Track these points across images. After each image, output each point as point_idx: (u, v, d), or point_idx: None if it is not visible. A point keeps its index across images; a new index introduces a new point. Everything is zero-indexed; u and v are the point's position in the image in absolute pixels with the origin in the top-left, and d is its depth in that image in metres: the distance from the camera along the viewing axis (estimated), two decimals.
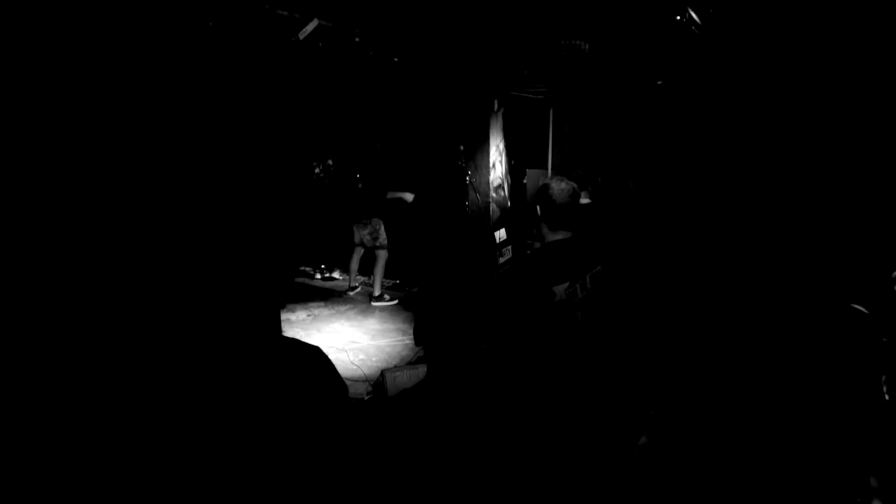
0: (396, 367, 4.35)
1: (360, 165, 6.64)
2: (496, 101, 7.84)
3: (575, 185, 2.70)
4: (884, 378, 1.68)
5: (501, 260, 6.78)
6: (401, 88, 7.26)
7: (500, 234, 6.88)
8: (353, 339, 5.46)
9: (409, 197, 6.66)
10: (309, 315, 6.14)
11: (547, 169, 7.86)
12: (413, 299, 6.65)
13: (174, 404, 1.43)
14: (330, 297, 6.82)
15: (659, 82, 6.45)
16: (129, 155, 3.46)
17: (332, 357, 1.63)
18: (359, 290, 6.92)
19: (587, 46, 6.59)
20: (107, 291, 3.04)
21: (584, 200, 4.23)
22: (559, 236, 2.60)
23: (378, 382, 4.26)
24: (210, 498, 1.39)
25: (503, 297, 2.02)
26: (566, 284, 2.45)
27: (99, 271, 3.06)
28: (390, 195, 6.57)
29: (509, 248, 7.00)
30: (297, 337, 5.06)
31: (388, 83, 7.06)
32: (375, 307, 6.40)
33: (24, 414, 2.41)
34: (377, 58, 6.03)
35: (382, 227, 6.47)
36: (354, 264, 6.81)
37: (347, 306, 6.46)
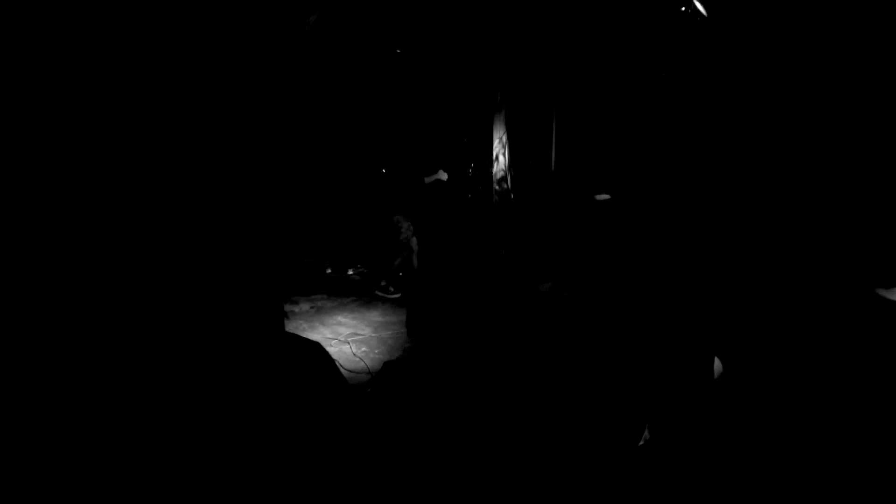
0: (399, 359, 4.36)
1: (383, 160, 6.59)
2: (499, 93, 7.82)
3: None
4: None
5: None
6: (403, 80, 7.24)
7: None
8: (355, 331, 5.48)
9: (444, 176, 6.57)
10: (312, 307, 6.16)
11: (550, 161, 7.84)
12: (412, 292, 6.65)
13: (176, 399, 1.44)
14: (333, 289, 6.84)
15: (663, 74, 6.42)
16: (128, 150, 3.46)
17: (334, 349, 1.64)
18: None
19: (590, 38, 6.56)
20: (106, 285, 3.04)
21: (604, 196, 4.12)
22: (548, 231, 2.58)
23: (380, 374, 4.27)
24: (212, 489, 1.40)
25: (492, 295, 1.99)
26: (551, 283, 2.44)
27: (98, 265, 3.07)
28: (428, 180, 6.49)
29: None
30: (301, 328, 5.06)
31: (390, 74, 7.03)
32: (378, 296, 6.42)
33: (29, 405, 2.42)
34: (379, 49, 6.01)
35: (405, 225, 6.42)
36: (397, 260, 6.77)
37: (350, 298, 6.47)
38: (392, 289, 6.54)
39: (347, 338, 5.31)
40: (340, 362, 4.80)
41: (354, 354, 4.95)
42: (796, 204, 4.85)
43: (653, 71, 6.42)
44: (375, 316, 5.92)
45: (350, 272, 7.54)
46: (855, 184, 4.76)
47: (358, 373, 4.60)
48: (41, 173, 3.01)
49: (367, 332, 5.48)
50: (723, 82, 5.90)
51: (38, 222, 2.94)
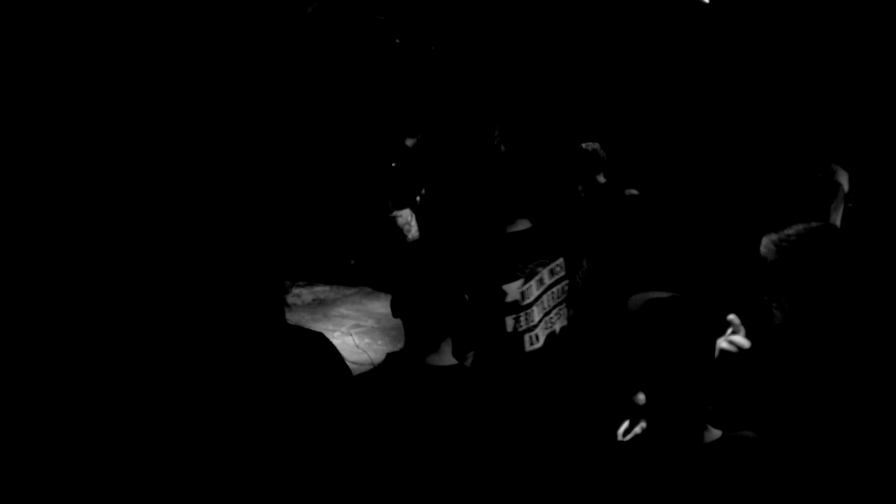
0: (402, 351, 4.36)
1: (391, 155, 6.58)
2: (497, 86, 7.76)
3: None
4: None
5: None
6: (402, 70, 7.19)
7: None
8: (358, 323, 5.48)
9: (422, 191, 6.69)
10: (315, 299, 6.16)
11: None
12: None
13: (178, 394, 1.43)
14: (335, 280, 6.83)
15: (664, 65, 6.38)
16: (137, 148, 3.44)
17: (337, 340, 1.64)
18: None
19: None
20: (106, 281, 3.04)
21: (632, 192, 3.82)
22: (517, 227, 2.35)
23: (383, 365, 4.27)
24: (216, 486, 1.40)
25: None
26: (519, 282, 2.25)
27: (98, 259, 3.06)
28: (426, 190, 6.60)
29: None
30: (303, 319, 5.06)
31: (389, 63, 6.98)
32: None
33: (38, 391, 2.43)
34: (379, 38, 5.98)
35: (410, 219, 6.43)
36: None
37: (353, 290, 6.46)
38: None
39: (350, 329, 5.31)
40: (343, 354, 4.81)
41: (357, 346, 4.96)
42: (796, 199, 4.81)
43: (655, 59, 6.37)
44: (378, 307, 5.92)
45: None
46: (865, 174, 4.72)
47: (361, 364, 4.61)
48: (43, 170, 3.00)
49: (369, 323, 5.48)
50: (726, 71, 5.86)
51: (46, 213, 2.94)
